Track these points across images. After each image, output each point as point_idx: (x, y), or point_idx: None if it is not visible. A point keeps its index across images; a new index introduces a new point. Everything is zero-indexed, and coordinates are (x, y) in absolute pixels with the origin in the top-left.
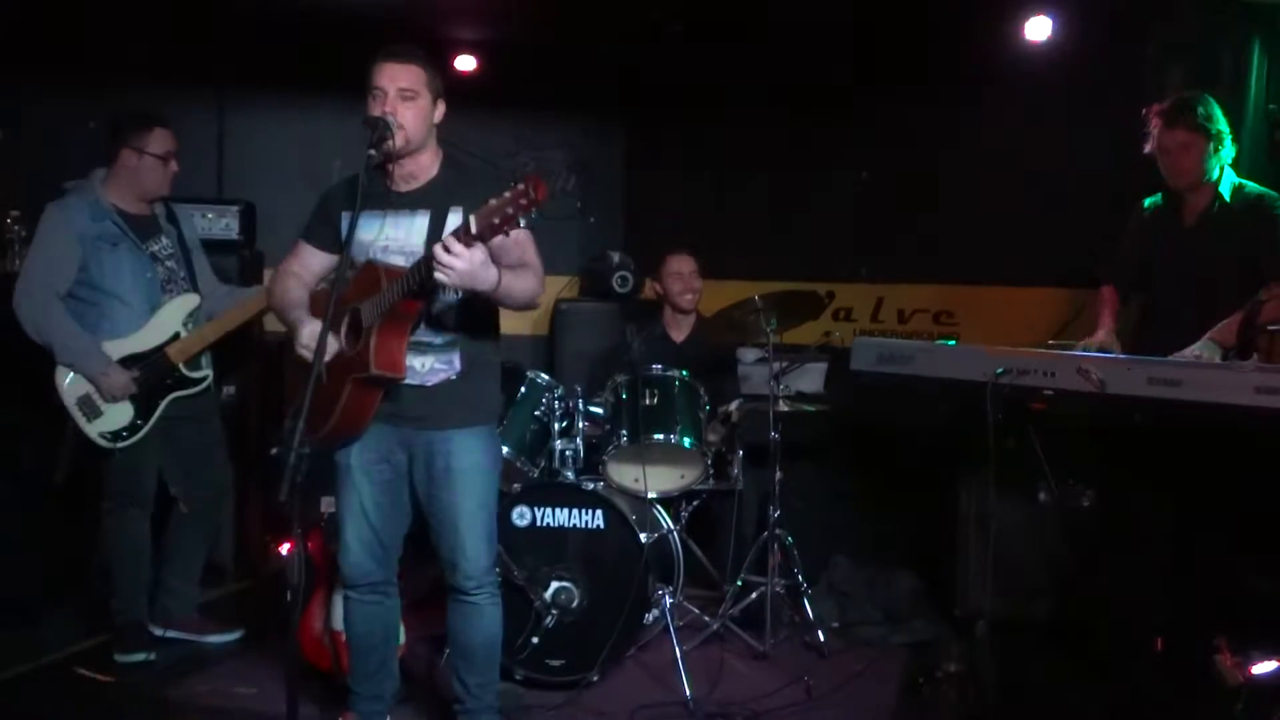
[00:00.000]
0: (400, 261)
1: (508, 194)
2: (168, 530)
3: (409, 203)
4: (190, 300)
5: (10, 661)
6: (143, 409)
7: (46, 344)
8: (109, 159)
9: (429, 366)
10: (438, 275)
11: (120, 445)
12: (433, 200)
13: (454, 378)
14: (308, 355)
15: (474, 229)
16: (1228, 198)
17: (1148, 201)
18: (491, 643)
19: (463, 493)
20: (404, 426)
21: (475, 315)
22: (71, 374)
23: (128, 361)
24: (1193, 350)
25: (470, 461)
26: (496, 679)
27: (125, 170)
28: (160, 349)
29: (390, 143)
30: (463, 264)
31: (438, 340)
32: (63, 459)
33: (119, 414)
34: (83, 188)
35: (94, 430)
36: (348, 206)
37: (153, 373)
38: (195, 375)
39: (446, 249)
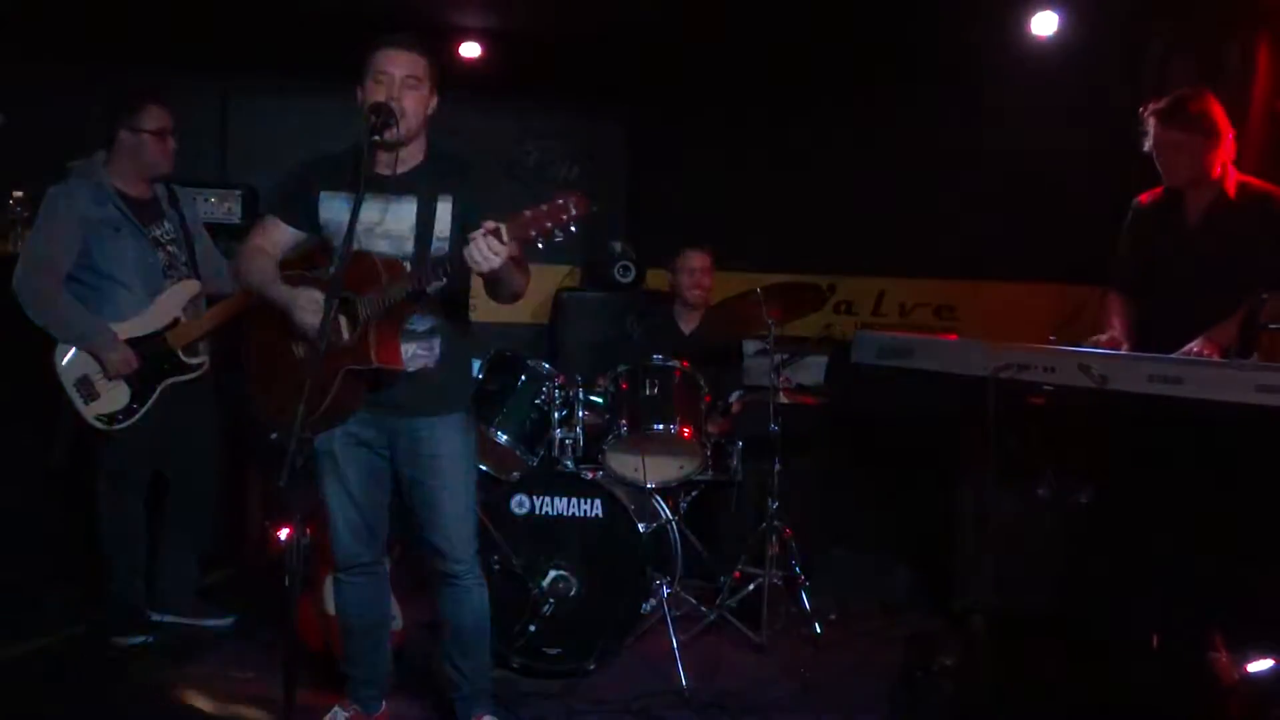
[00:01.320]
0: (384, 245)
1: (545, 206)
2: (164, 515)
3: (394, 187)
4: (191, 286)
5: (7, 644)
6: (139, 393)
7: (48, 325)
8: (108, 141)
9: (411, 353)
10: (476, 268)
11: (116, 428)
12: (419, 187)
13: (433, 365)
14: (313, 320)
15: (506, 236)
16: (1232, 195)
17: (1145, 197)
18: (481, 623)
19: (448, 477)
20: (386, 415)
21: (452, 303)
22: (70, 355)
23: (128, 344)
24: (1192, 347)
25: (453, 447)
26: (489, 662)
27: (124, 151)
28: (160, 334)
29: (394, 130)
30: (499, 259)
31: (420, 327)
32: (59, 440)
33: (116, 397)
34: (85, 170)
35: (91, 412)
36: (327, 187)
37: (151, 357)
38: (192, 361)
39: (480, 247)
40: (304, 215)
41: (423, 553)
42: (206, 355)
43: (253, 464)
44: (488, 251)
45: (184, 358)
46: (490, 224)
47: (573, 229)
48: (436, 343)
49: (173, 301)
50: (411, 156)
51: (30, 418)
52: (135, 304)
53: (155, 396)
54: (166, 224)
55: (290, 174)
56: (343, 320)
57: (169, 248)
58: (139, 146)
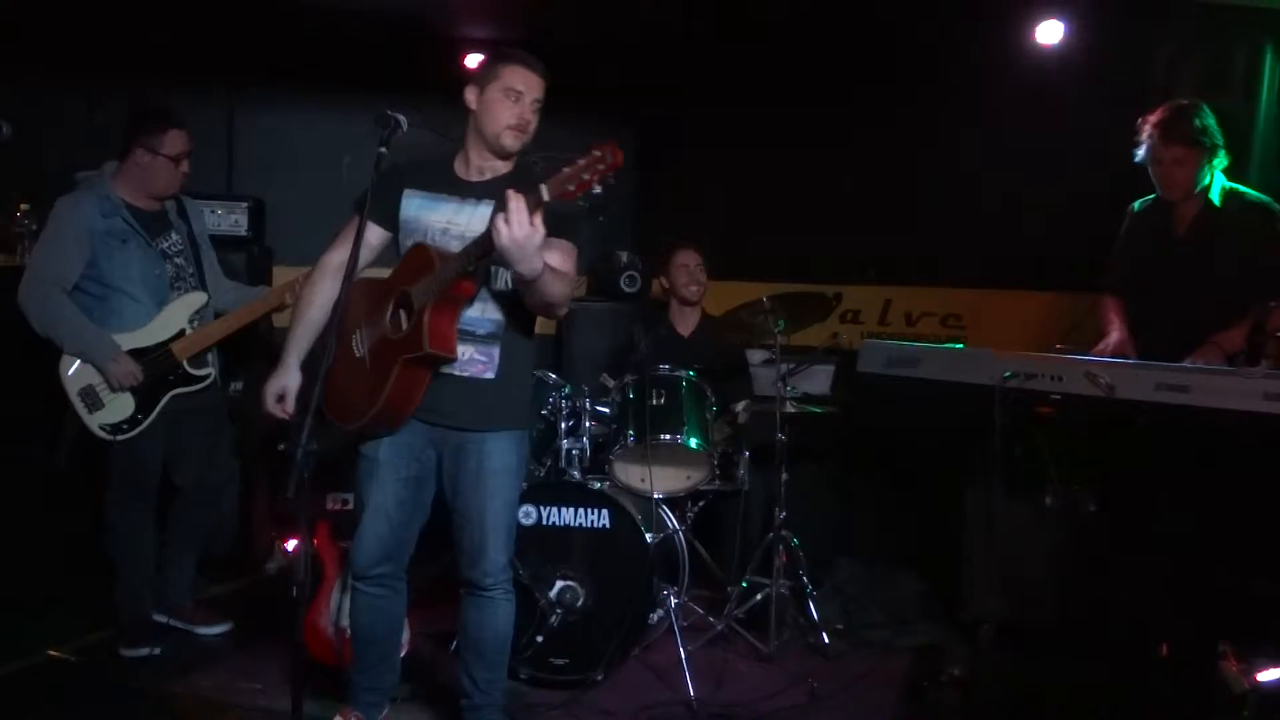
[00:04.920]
0: (458, 247)
1: (582, 160)
2: (168, 520)
3: (477, 192)
4: (198, 298)
5: (14, 656)
6: (144, 403)
7: (52, 336)
8: (122, 154)
9: (468, 355)
10: (494, 236)
11: (119, 438)
12: (499, 193)
13: (491, 375)
14: (269, 405)
15: (547, 195)
16: (1218, 203)
17: (1138, 204)
18: (503, 638)
19: (491, 493)
20: (438, 425)
21: (515, 314)
22: (74, 365)
23: (132, 355)
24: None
25: (501, 463)
26: (504, 676)
27: (136, 168)
28: (165, 345)
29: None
30: (520, 230)
31: (480, 331)
32: (62, 447)
33: (120, 407)
34: (93, 182)
35: (94, 422)
36: (411, 185)
37: (156, 368)
38: (198, 373)
39: (506, 213)
40: (387, 213)
41: (441, 561)
42: (214, 367)
43: (260, 474)
44: (514, 218)
45: (190, 369)
46: (514, 193)
47: (611, 180)
48: (496, 352)
49: (179, 313)
50: (500, 165)
51: (36, 428)
52: (141, 315)
53: (160, 407)
54: (174, 235)
55: (379, 173)
56: (401, 314)
57: (176, 259)
58: (153, 168)
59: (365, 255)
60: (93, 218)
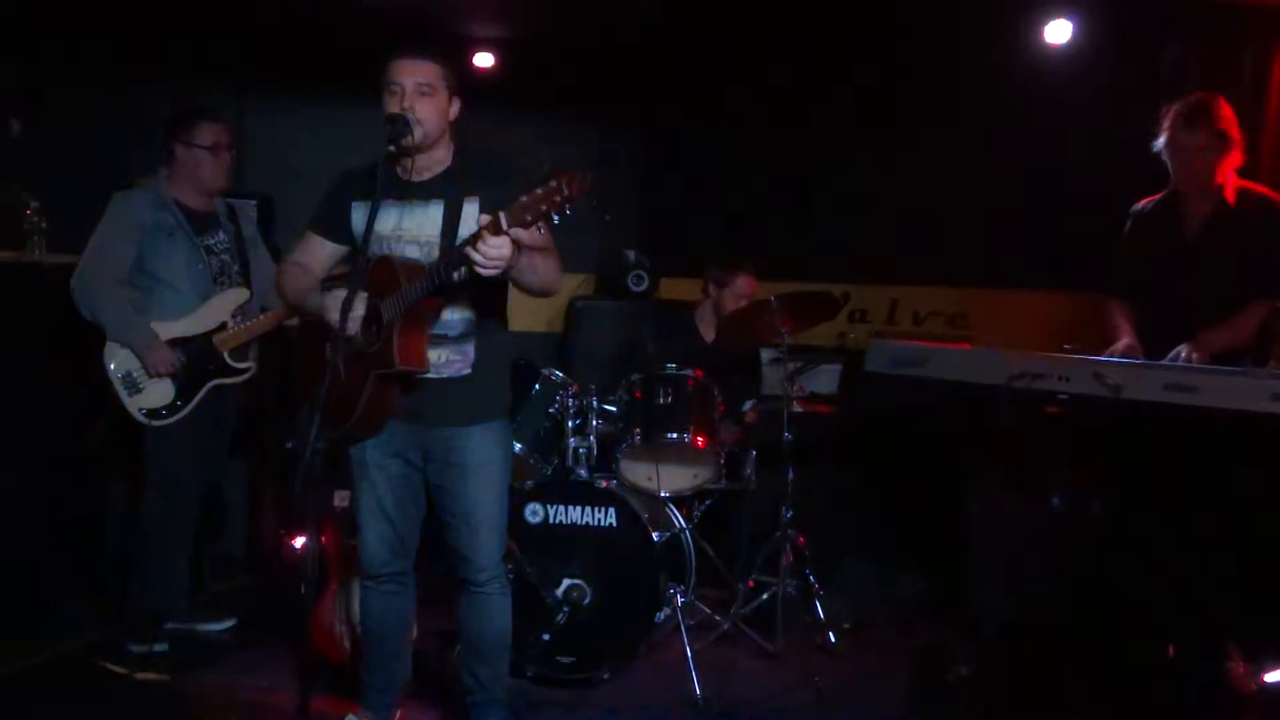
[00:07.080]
0: (414, 252)
1: (540, 190)
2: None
3: (423, 193)
4: (240, 294)
5: (25, 652)
6: (183, 391)
7: (98, 321)
8: (166, 156)
9: (444, 358)
10: (479, 270)
11: (156, 423)
12: (446, 191)
13: (468, 372)
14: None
15: (504, 225)
16: (1231, 202)
17: (1145, 202)
18: (501, 634)
19: (477, 487)
20: (419, 424)
21: (487, 309)
22: (118, 351)
23: (173, 344)
24: (1180, 351)
25: (484, 457)
26: (506, 671)
27: (179, 164)
28: (206, 336)
29: (409, 138)
30: (505, 252)
31: (452, 333)
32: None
33: (160, 393)
34: (150, 182)
35: (134, 405)
36: (358, 197)
37: (197, 357)
38: (239, 365)
39: (479, 247)
40: (339, 227)
41: (447, 559)
42: (255, 362)
43: (268, 472)
44: (490, 250)
45: (231, 361)
46: (484, 218)
47: (568, 210)
48: (470, 349)
49: (221, 306)
50: (437, 162)
51: (45, 431)
52: (183, 306)
53: (200, 396)
54: (221, 234)
55: (327, 188)
56: (372, 326)
57: (221, 256)
58: (191, 161)
59: (318, 271)
60: (143, 212)
